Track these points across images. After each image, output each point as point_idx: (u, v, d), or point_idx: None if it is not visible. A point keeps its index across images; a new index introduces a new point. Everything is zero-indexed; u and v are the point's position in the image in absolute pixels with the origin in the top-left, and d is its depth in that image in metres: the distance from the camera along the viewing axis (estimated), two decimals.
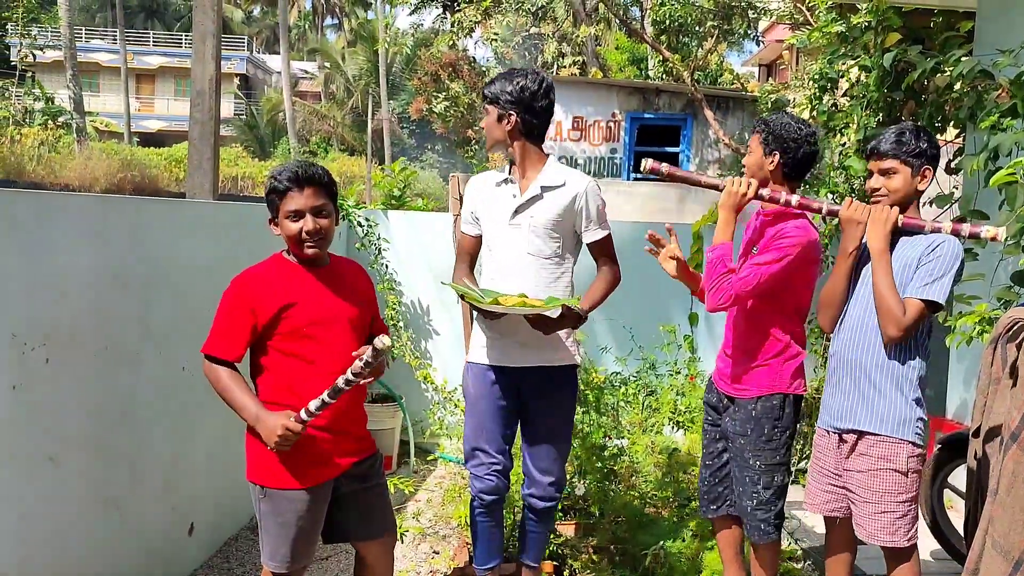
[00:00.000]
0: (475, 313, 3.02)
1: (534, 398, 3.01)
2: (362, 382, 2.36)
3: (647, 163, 2.91)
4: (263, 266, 2.54)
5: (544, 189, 2.94)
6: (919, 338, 2.72)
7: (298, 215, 2.45)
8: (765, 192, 2.88)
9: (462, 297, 2.96)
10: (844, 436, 2.80)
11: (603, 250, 3.06)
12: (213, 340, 2.46)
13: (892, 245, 2.73)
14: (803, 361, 2.99)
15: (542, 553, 3.26)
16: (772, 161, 2.94)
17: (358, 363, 2.30)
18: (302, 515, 2.48)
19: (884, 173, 2.76)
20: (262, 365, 2.51)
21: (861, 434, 2.76)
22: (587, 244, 3.06)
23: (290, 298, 2.46)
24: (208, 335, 2.47)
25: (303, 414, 2.36)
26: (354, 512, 2.65)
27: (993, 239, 2.65)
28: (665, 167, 2.91)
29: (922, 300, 2.60)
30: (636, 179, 14.08)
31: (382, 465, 2.76)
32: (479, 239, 3.08)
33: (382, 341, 2.26)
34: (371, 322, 2.71)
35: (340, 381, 2.32)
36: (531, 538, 3.18)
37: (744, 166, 3.06)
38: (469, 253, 3.13)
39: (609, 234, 3.06)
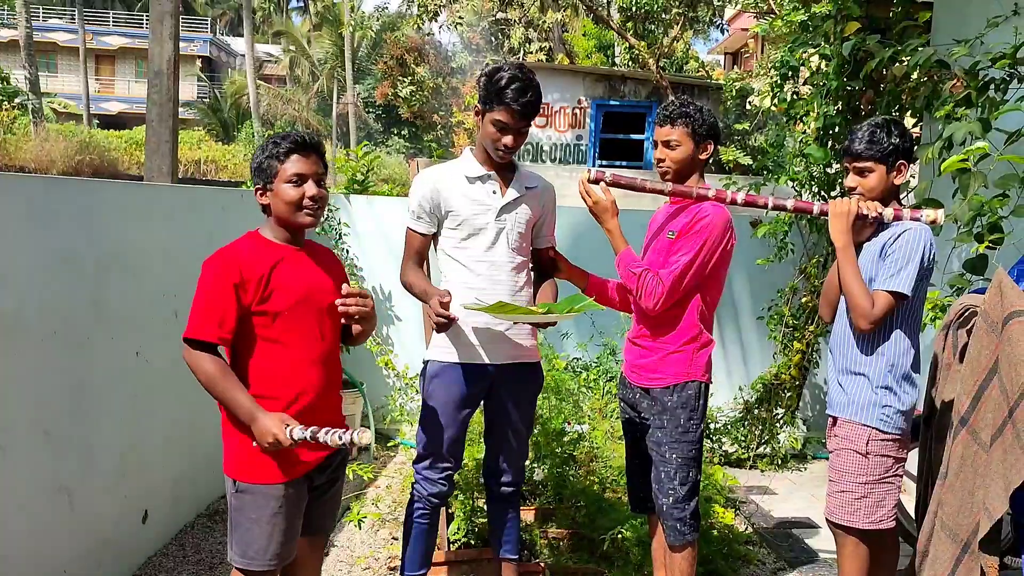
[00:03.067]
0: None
1: (508, 393, 2.94)
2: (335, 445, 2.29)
3: (590, 173, 2.83)
4: (240, 244, 2.40)
5: (527, 189, 2.89)
6: (887, 326, 2.72)
7: (301, 179, 2.37)
8: (711, 193, 2.79)
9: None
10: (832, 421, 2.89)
11: (547, 258, 3.05)
12: (195, 323, 2.27)
13: (874, 236, 2.77)
14: (712, 351, 2.91)
15: (519, 543, 3.19)
16: (706, 150, 2.87)
17: (336, 438, 2.23)
18: (278, 511, 2.35)
19: (859, 172, 2.78)
20: (242, 350, 2.36)
21: (835, 419, 2.84)
22: (536, 251, 3.01)
23: (272, 276, 2.35)
24: (188, 320, 2.29)
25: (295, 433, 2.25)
26: (313, 506, 2.54)
27: (933, 223, 2.70)
28: (609, 175, 2.83)
29: (889, 292, 2.63)
30: (601, 166, 14.11)
31: (346, 457, 2.63)
32: (430, 238, 2.93)
33: (361, 438, 2.24)
34: None
35: (322, 435, 2.23)
36: (505, 529, 3.12)
37: (663, 163, 2.89)
38: (420, 252, 2.94)
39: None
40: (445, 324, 2.66)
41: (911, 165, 2.80)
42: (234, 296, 2.29)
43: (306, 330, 2.40)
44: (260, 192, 2.42)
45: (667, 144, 2.84)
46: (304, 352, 2.39)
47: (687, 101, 2.88)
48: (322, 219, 2.43)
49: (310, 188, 2.37)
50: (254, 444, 2.27)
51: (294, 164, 2.36)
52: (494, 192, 2.85)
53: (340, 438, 2.24)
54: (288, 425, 2.23)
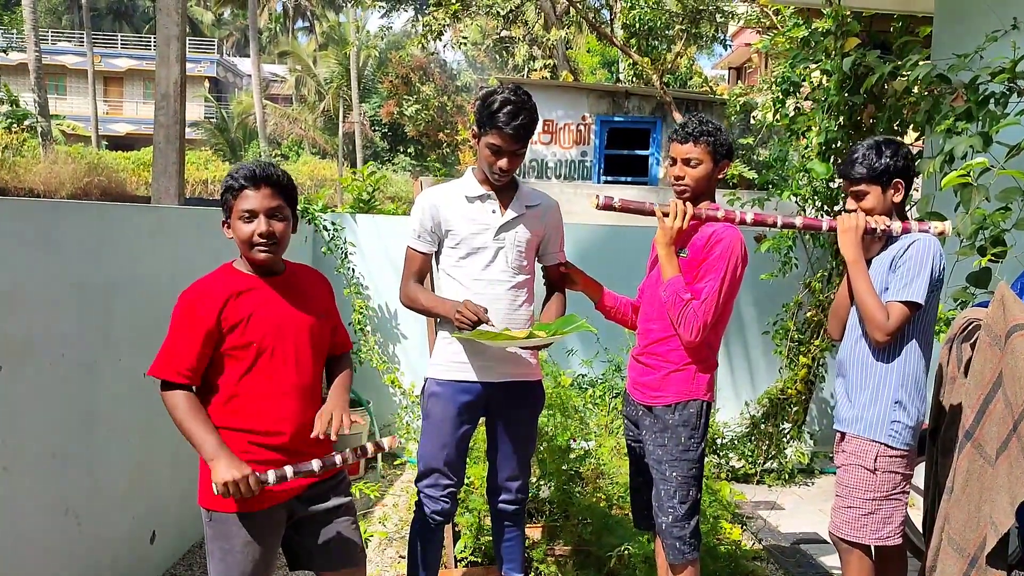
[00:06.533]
0: (441, 329, 2.95)
1: (506, 412, 2.96)
2: (340, 467, 2.40)
3: (600, 199, 2.80)
4: (212, 278, 2.38)
5: (528, 208, 2.92)
6: (902, 338, 2.71)
7: (251, 215, 2.31)
8: (720, 214, 2.78)
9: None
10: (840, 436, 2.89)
11: (557, 274, 3.07)
12: (162, 362, 2.28)
13: (883, 250, 2.77)
14: (714, 372, 2.90)
15: (524, 560, 3.20)
16: (723, 169, 2.86)
17: (349, 452, 2.37)
18: (248, 541, 2.33)
19: (856, 196, 2.79)
20: (214, 384, 2.34)
21: (843, 434, 2.84)
22: (546, 268, 3.06)
23: (244, 310, 2.32)
24: (156, 356, 2.29)
25: (266, 476, 2.25)
26: (313, 538, 2.49)
27: (941, 234, 2.72)
28: (618, 200, 2.80)
29: (903, 302, 2.63)
30: (606, 182, 14.15)
31: (347, 486, 2.60)
32: (430, 257, 2.99)
33: (385, 443, 2.41)
34: (332, 332, 2.58)
35: (315, 464, 2.30)
36: (508, 547, 3.14)
37: (682, 181, 2.84)
38: (421, 271, 2.98)
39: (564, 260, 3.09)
40: (473, 321, 2.71)
41: (914, 180, 2.81)
42: (202, 335, 2.27)
43: (280, 362, 2.37)
44: (225, 224, 2.40)
45: (687, 162, 2.81)
46: (277, 385, 2.35)
47: (705, 119, 2.85)
48: (282, 253, 2.41)
49: (260, 224, 2.31)
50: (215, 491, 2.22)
51: (244, 200, 2.32)
52: (493, 211, 2.88)
53: (354, 455, 2.36)
54: (251, 473, 2.21)
